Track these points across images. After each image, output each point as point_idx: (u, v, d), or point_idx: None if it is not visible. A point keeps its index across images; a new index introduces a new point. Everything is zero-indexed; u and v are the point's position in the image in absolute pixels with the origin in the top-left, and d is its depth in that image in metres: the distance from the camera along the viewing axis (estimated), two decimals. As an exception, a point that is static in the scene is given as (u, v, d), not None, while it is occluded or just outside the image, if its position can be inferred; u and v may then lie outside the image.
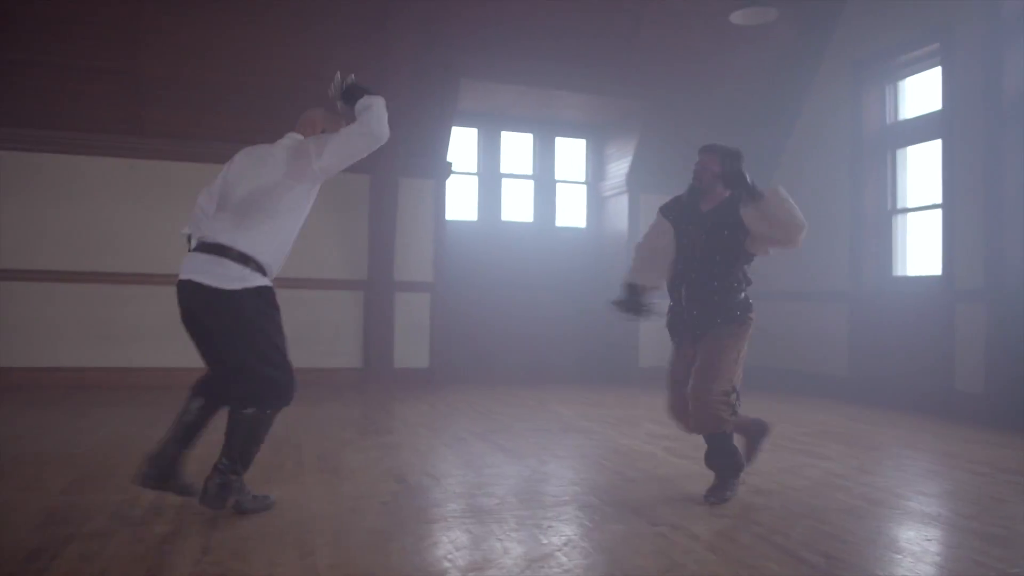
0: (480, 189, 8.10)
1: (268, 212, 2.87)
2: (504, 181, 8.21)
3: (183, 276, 2.84)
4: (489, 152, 8.12)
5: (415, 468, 3.77)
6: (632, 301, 3.49)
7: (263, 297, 2.85)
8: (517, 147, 8.30)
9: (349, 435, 4.67)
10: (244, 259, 2.79)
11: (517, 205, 8.26)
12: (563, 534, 2.77)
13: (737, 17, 6.14)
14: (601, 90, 7.33)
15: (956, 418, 5.68)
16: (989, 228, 5.80)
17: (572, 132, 8.39)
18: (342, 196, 7.10)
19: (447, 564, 2.41)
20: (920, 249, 6.83)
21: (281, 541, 2.57)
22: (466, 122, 7.89)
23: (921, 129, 6.67)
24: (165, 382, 6.51)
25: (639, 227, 7.96)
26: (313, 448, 4.18)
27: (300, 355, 6.69)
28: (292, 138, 3.09)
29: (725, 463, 3.27)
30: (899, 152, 6.99)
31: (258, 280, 2.83)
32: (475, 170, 8.07)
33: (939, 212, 6.34)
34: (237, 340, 2.80)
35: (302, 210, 3.03)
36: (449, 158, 7.39)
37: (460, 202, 7.97)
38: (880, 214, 7.07)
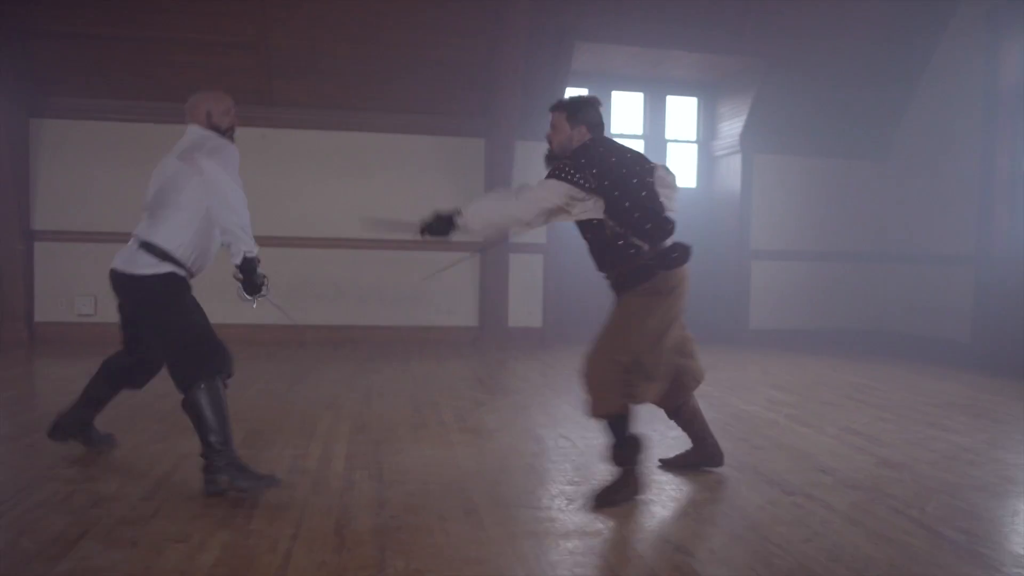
0: (590, 150, 8.14)
1: (173, 206, 3.02)
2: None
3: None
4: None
5: (549, 429, 4.01)
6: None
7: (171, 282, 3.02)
8: (627, 106, 8.28)
9: (479, 395, 4.96)
10: (150, 248, 2.99)
11: (627, 165, 8.27)
12: (701, 498, 2.94)
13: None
14: (715, 48, 7.20)
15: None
16: None
17: (683, 90, 8.29)
18: (457, 159, 7.33)
19: (600, 525, 2.63)
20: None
21: (444, 498, 2.85)
22: (576, 82, 7.91)
23: (1064, 83, 6.30)
24: (286, 338, 6.98)
25: (752, 188, 7.88)
26: (449, 407, 4.49)
27: (420, 314, 7.19)
28: (191, 131, 3.19)
29: (613, 453, 2.94)
30: (1038, 107, 6.62)
31: (167, 268, 3.00)
32: (585, 131, 8.11)
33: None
34: (154, 322, 3.03)
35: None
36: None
37: (571, 163, 8.04)
38: (1015, 174, 6.74)
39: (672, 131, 8.37)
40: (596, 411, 2.90)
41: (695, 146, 8.44)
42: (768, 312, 7.96)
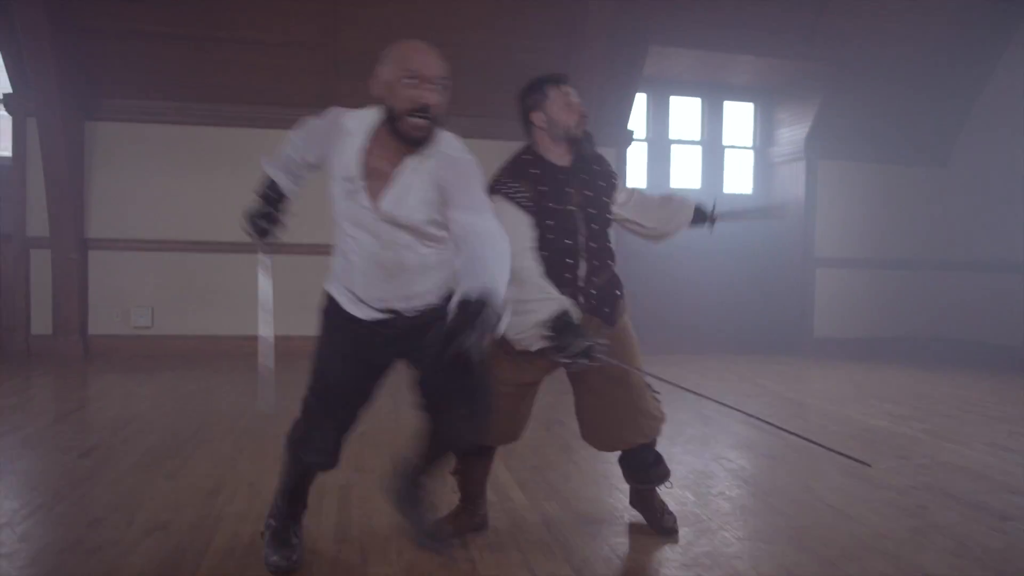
0: (649, 155, 8.02)
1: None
2: (672, 147, 8.10)
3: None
4: (659, 118, 8.01)
5: (703, 454, 3.83)
6: None
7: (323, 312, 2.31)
8: (685, 112, 8.16)
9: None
10: None
11: (685, 171, 8.16)
12: (912, 521, 2.78)
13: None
14: (784, 53, 7.11)
15: None
16: None
17: (740, 96, 8.19)
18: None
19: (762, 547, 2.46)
20: None
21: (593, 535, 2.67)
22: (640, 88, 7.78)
23: None
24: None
25: (816, 194, 7.79)
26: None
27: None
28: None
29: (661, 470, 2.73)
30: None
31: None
32: (644, 136, 7.98)
33: None
34: None
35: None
36: (629, 126, 7.33)
37: (631, 169, 7.91)
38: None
39: (729, 137, 8.27)
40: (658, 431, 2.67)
41: (751, 152, 8.34)
42: (831, 321, 7.87)
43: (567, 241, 2.44)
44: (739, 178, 8.33)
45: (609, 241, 2.57)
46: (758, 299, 7.96)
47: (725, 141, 8.22)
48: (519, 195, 2.43)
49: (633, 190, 2.80)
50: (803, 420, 4.63)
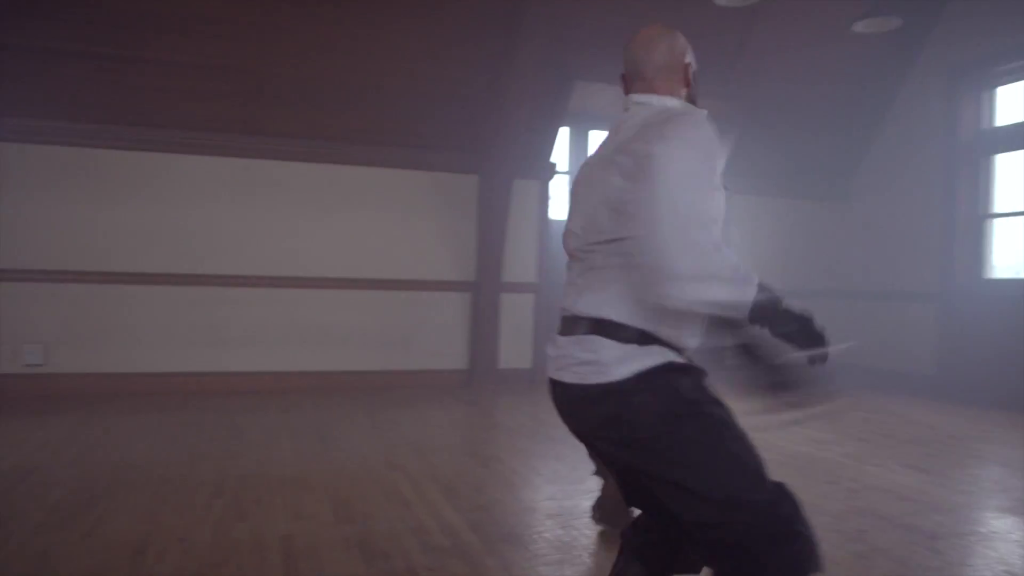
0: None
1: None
2: (591, 180, 8.23)
3: (552, 376, 1.78)
4: (579, 151, 8.14)
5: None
6: None
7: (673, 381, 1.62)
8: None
9: (525, 443, 4.71)
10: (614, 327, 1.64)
11: (604, 204, 8.29)
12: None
13: (860, 26, 6.23)
14: (706, 92, 7.34)
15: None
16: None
17: (656, 131, 8.42)
18: (450, 196, 7.08)
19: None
20: (1014, 253, 7.04)
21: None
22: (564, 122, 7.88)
23: (1020, 136, 6.85)
24: (278, 387, 6.50)
25: (729, 228, 8.07)
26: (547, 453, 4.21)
27: (409, 357, 6.82)
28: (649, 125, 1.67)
29: None
30: (994, 158, 7.17)
31: (654, 357, 1.61)
32: (566, 169, 8.08)
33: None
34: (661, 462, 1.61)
35: None
36: (552, 158, 7.40)
37: (553, 202, 7.98)
38: (972, 218, 7.25)
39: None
40: None
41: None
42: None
43: None
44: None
45: None
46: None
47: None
48: None
49: None
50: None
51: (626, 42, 1.90)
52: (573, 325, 1.70)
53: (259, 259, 6.50)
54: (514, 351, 7.27)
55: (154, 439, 4.52)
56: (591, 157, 1.88)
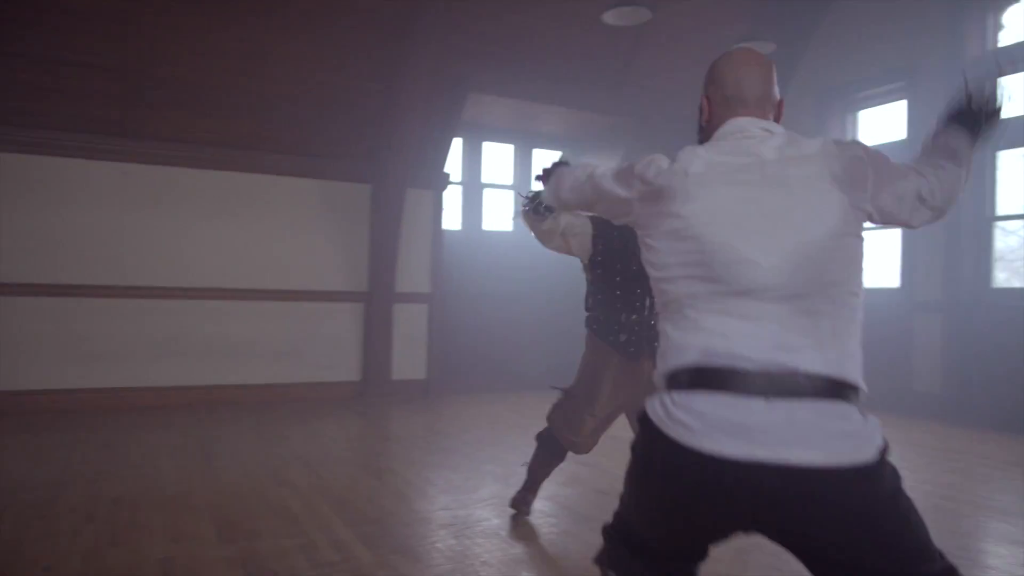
0: (464, 198, 8.15)
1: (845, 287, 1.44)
2: (485, 191, 8.30)
3: (747, 453, 1.30)
4: (472, 162, 8.19)
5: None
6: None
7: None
8: (497, 157, 8.42)
9: (417, 454, 4.68)
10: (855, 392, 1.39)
11: (496, 214, 8.38)
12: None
13: (737, 46, 6.57)
14: (595, 107, 7.57)
15: (914, 415, 6.37)
16: (948, 245, 6.54)
17: (550, 144, 8.59)
18: (343, 206, 6.96)
19: None
20: (881, 264, 7.58)
21: None
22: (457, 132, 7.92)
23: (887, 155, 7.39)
24: (159, 402, 6.18)
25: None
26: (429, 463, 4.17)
27: (300, 370, 6.63)
28: (827, 144, 1.52)
29: None
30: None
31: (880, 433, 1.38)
32: (460, 179, 8.11)
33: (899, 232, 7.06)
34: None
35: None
36: (446, 169, 7.42)
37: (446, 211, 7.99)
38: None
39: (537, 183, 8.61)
40: None
41: (559, 197, 8.75)
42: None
43: (636, 292, 3.01)
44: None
45: None
46: (565, 337, 8.27)
47: (535, 187, 8.54)
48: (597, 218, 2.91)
49: None
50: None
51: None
52: (797, 385, 1.34)
53: (139, 268, 6.17)
54: (407, 362, 7.21)
55: (19, 461, 4.21)
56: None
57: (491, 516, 3.34)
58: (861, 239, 1.48)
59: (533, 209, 2.80)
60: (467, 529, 3.16)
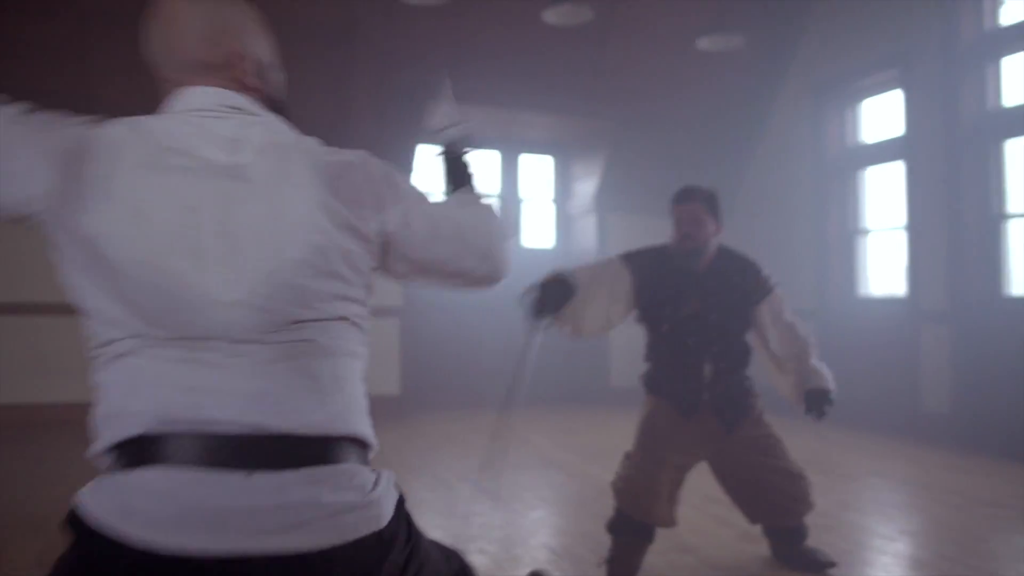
0: (447, 209, 8.01)
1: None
2: (470, 200, 8.14)
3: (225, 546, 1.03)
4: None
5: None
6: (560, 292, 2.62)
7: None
8: (483, 165, 8.23)
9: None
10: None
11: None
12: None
13: (704, 43, 6.16)
14: (567, 110, 7.30)
15: (923, 439, 5.78)
16: (951, 250, 5.90)
17: (538, 149, 8.35)
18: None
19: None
20: (885, 270, 6.97)
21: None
22: (430, 140, 7.79)
23: (884, 151, 6.79)
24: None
25: (608, 247, 7.96)
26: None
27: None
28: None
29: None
30: (861, 173, 7.11)
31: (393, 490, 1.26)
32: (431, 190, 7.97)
33: (903, 233, 6.44)
34: None
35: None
36: (414, 179, 7.28)
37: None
38: (843, 235, 7.18)
39: (527, 190, 8.39)
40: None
41: (552, 205, 8.49)
42: (626, 371, 7.98)
43: (686, 342, 2.74)
44: (539, 231, 8.45)
45: (740, 346, 2.80)
46: (555, 350, 7.97)
47: (522, 194, 8.33)
48: (637, 262, 2.82)
49: (788, 323, 2.85)
50: (543, 472, 4.57)
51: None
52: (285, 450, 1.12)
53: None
54: (380, 377, 7.10)
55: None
56: None
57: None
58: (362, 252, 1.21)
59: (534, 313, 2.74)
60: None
